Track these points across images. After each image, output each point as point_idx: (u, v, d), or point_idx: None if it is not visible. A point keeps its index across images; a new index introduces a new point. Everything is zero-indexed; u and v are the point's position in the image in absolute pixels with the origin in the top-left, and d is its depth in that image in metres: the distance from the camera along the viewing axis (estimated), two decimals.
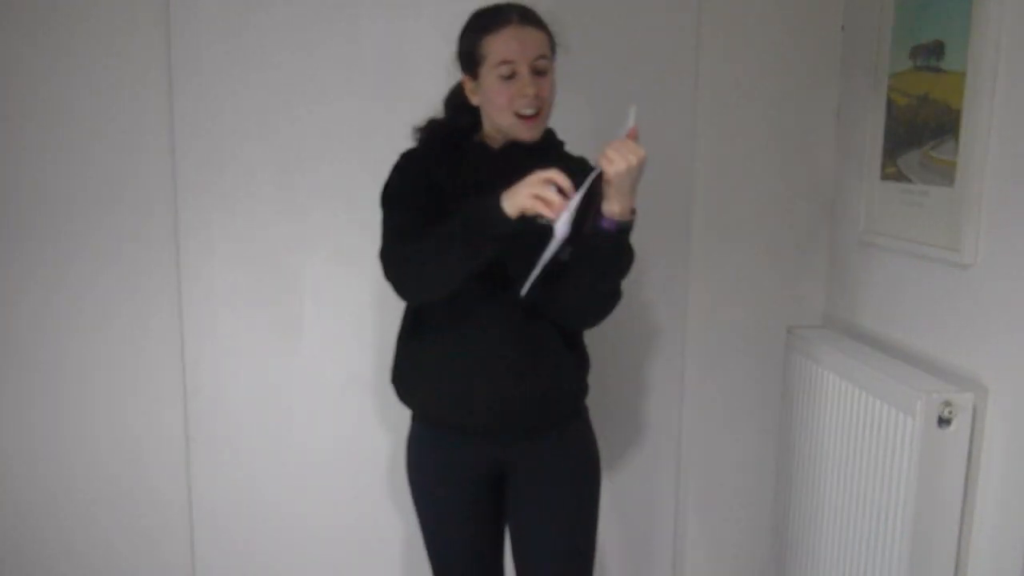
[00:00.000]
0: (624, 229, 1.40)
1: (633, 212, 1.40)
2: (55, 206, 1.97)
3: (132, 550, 2.13)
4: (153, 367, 2.06)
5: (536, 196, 1.31)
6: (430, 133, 1.60)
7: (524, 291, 1.39)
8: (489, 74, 1.46)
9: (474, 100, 1.52)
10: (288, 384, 2.10)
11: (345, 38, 1.98)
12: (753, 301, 2.18)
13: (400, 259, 1.46)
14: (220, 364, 2.06)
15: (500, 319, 1.50)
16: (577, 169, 1.49)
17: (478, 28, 1.48)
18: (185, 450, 2.09)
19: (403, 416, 2.13)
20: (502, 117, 1.47)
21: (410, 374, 1.60)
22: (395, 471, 2.15)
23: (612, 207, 1.37)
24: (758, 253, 2.16)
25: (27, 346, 2.02)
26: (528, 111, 1.46)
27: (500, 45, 1.44)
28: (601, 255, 1.42)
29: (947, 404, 1.57)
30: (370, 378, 2.10)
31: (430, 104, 2.00)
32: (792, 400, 2.11)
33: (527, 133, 1.48)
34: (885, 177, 1.90)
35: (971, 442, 1.59)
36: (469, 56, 1.49)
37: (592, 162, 1.44)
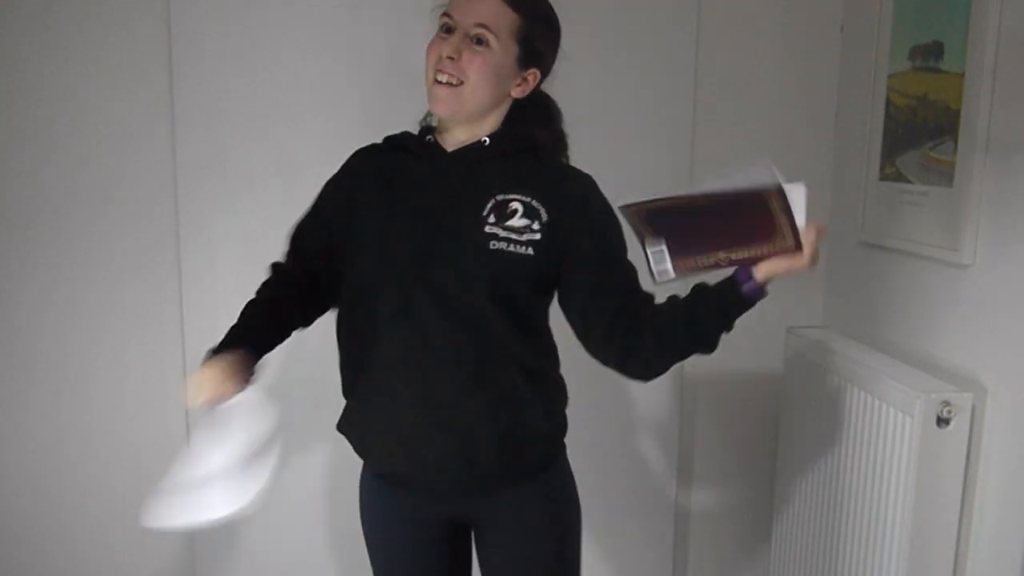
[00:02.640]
0: (756, 301, 1.24)
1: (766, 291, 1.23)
2: (55, 206, 1.97)
3: (132, 550, 2.13)
4: (153, 367, 2.06)
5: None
6: (401, 133, 1.46)
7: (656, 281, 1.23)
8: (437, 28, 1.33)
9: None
10: (288, 384, 2.10)
11: (346, 37, 1.98)
12: None
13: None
14: None
15: (448, 358, 1.32)
16: (564, 189, 1.34)
17: None
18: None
19: None
20: (426, 79, 1.32)
21: (354, 426, 1.44)
22: None
23: (763, 276, 1.20)
24: None
25: (27, 346, 2.02)
26: (441, 77, 1.29)
27: None
28: (714, 310, 1.26)
29: (946, 404, 1.58)
30: None
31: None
32: (792, 400, 2.11)
33: (435, 103, 1.31)
34: (884, 177, 1.90)
35: (970, 442, 1.60)
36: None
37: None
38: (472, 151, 1.36)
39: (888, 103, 1.88)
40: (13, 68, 1.92)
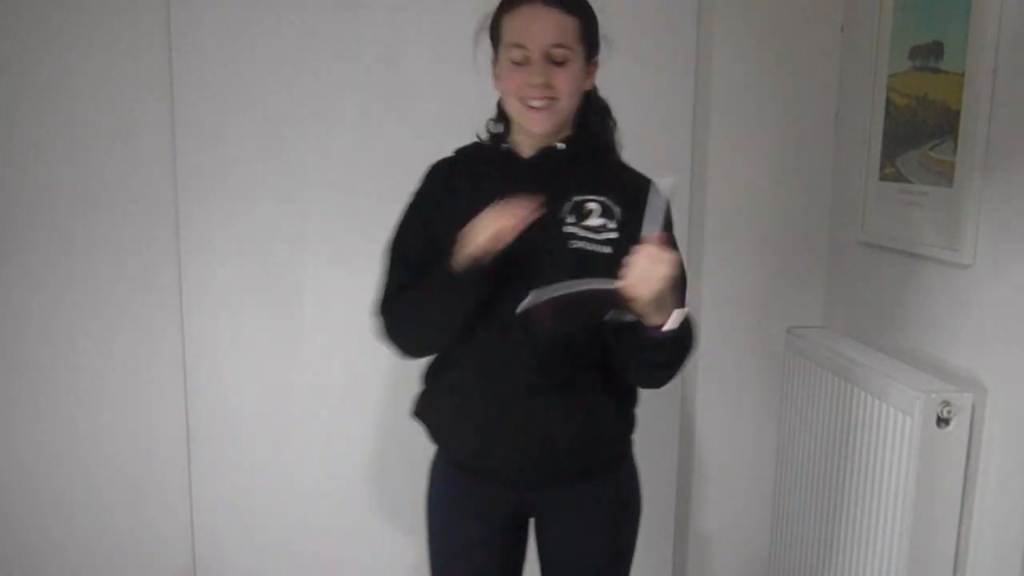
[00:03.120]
0: (676, 333, 1.24)
1: (681, 306, 1.24)
2: (56, 208, 1.97)
3: (133, 549, 2.13)
4: (153, 367, 2.06)
5: (495, 231, 1.23)
6: (471, 144, 1.48)
7: (519, 309, 1.22)
8: (503, 56, 1.35)
9: (496, 86, 1.40)
10: (288, 384, 2.10)
11: (347, 36, 1.98)
12: (753, 301, 2.18)
13: (396, 312, 1.40)
14: (220, 364, 2.06)
15: (529, 357, 1.36)
16: (629, 189, 1.37)
17: (501, 5, 1.37)
18: (186, 450, 2.09)
19: (402, 417, 2.13)
20: (512, 104, 1.37)
21: (434, 416, 1.50)
22: (395, 472, 2.15)
23: (653, 320, 1.22)
24: (758, 254, 2.16)
25: (28, 347, 2.02)
26: (535, 103, 1.34)
27: (514, 26, 1.34)
28: (657, 355, 1.29)
29: (946, 404, 1.58)
30: (370, 379, 2.11)
31: (431, 106, 2.01)
32: (792, 400, 2.11)
33: (533, 125, 1.36)
34: (884, 178, 1.90)
35: (970, 442, 1.60)
36: (492, 31, 1.39)
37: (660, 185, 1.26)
38: (549, 156, 1.40)
39: (888, 103, 1.88)
40: (12, 68, 1.92)
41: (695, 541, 2.29)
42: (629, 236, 1.33)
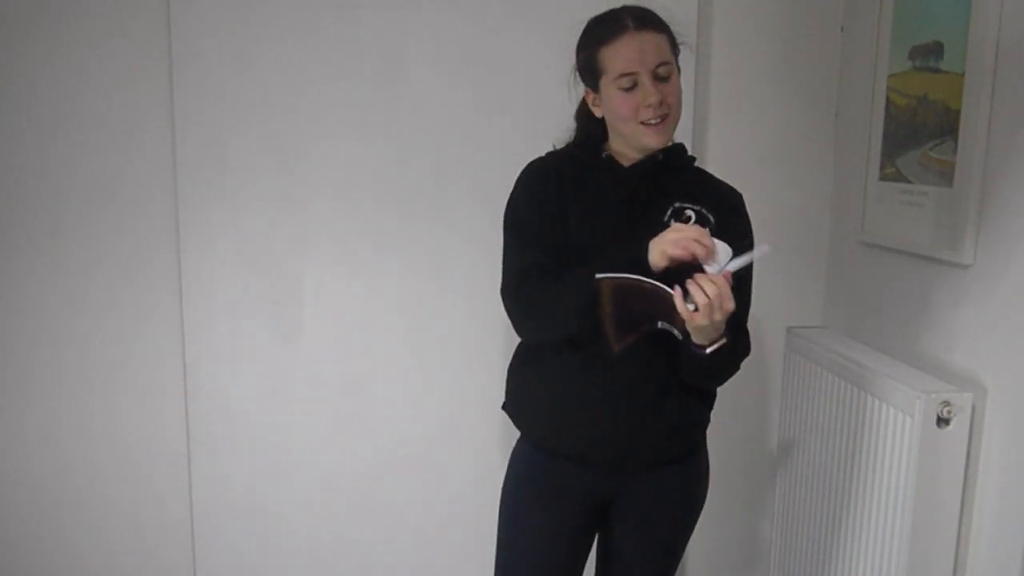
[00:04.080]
0: (717, 352, 1.35)
1: (723, 335, 1.33)
2: (55, 206, 1.97)
3: (133, 550, 2.13)
4: (153, 367, 2.06)
5: (688, 243, 1.28)
6: (562, 149, 1.55)
7: (597, 276, 1.32)
8: (610, 87, 1.41)
9: (598, 113, 1.48)
10: (288, 384, 2.10)
11: (347, 37, 1.98)
12: (753, 301, 2.17)
13: (521, 303, 1.45)
14: (220, 364, 2.06)
15: (628, 353, 1.41)
16: (720, 198, 1.49)
17: (594, 40, 1.43)
18: (185, 450, 2.09)
19: (401, 416, 2.14)
20: (627, 127, 1.43)
21: (526, 403, 1.56)
22: (395, 472, 2.15)
23: (698, 339, 1.34)
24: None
25: (27, 346, 2.02)
26: (653, 120, 1.41)
27: (618, 56, 1.39)
28: (701, 367, 1.39)
29: (946, 404, 1.58)
30: (369, 379, 2.11)
31: (431, 106, 2.01)
32: (792, 400, 2.11)
33: (654, 139, 1.42)
34: (884, 178, 1.90)
35: (970, 442, 1.60)
36: (588, 69, 1.45)
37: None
38: (649, 165, 1.47)
39: (888, 103, 1.88)
40: (12, 68, 1.92)
41: (695, 540, 2.28)
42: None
